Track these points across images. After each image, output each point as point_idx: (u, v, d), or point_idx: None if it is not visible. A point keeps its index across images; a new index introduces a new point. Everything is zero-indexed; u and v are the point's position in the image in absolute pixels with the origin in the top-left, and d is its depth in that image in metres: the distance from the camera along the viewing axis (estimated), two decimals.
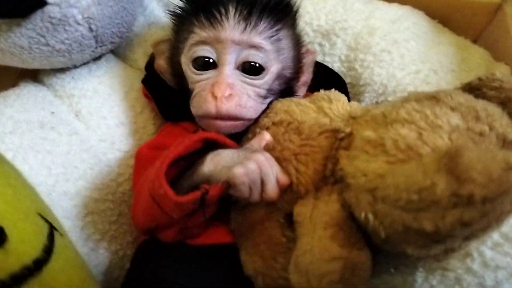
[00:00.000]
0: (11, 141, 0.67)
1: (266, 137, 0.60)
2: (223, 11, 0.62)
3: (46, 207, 0.58)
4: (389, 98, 0.81)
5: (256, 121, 0.66)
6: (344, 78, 0.83)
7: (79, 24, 0.68)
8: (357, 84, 0.84)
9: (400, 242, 0.45)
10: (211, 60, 0.65)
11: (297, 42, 0.73)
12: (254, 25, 0.63)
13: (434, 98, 0.53)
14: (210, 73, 0.65)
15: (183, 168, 0.58)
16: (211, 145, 0.58)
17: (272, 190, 0.54)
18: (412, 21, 0.86)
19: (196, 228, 0.60)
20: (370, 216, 0.45)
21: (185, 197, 0.52)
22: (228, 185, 0.53)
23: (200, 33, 0.64)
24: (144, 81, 0.77)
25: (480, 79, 0.58)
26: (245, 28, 0.63)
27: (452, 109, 0.50)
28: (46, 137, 0.70)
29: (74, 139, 0.73)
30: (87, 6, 0.68)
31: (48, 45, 0.68)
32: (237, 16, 0.62)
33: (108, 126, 0.76)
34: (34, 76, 0.81)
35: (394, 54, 0.81)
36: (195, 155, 0.58)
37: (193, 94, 0.65)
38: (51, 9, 0.64)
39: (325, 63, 0.85)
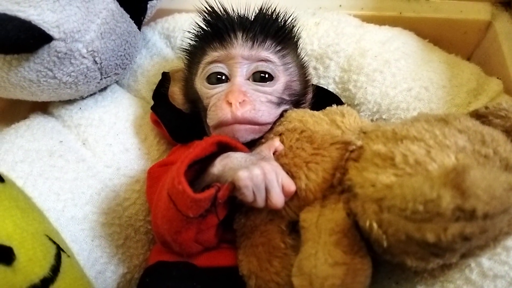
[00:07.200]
0: (22, 169, 0.70)
1: (276, 143, 0.63)
2: (232, 34, 0.68)
3: (54, 229, 0.60)
4: (384, 116, 0.83)
5: (271, 129, 0.68)
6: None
7: (84, 57, 0.72)
8: (352, 104, 0.86)
9: (401, 253, 0.46)
10: (223, 77, 0.69)
11: (302, 63, 0.77)
12: (261, 43, 0.69)
13: (443, 120, 0.55)
14: (223, 86, 0.69)
15: (197, 173, 0.60)
16: (224, 152, 0.60)
17: (276, 197, 0.54)
18: (402, 41, 0.88)
19: (210, 234, 0.61)
20: (375, 225, 0.46)
21: (201, 194, 0.53)
22: (234, 187, 0.54)
23: (212, 53, 0.69)
24: (153, 108, 0.80)
25: (486, 107, 0.60)
26: (252, 46, 0.68)
27: (460, 131, 0.52)
28: (55, 164, 0.72)
29: (81, 166, 0.75)
30: (91, 40, 0.72)
31: (55, 78, 0.71)
32: (244, 37, 0.68)
33: (114, 152, 0.79)
34: (44, 109, 0.84)
35: (386, 73, 0.83)
36: (208, 162, 0.59)
37: (209, 107, 0.68)
38: (57, 44, 0.68)
39: (320, 86, 0.87)
